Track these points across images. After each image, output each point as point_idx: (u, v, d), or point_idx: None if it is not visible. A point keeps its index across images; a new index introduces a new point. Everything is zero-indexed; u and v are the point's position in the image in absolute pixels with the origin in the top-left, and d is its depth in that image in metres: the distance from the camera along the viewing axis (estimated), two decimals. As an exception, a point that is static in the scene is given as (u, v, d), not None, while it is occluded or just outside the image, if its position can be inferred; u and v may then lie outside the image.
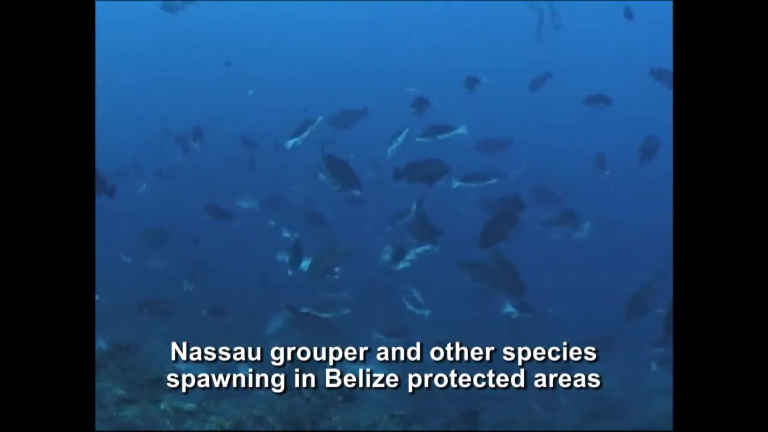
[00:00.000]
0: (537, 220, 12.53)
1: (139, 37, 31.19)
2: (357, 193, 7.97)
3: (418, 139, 9.17)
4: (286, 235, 8.71)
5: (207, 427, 5.63)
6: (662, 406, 9.37)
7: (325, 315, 9.14)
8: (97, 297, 8.97)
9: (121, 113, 21.81)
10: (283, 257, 11.20)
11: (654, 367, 10.48)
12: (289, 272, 9.01)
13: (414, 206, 8.69)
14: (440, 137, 9.13)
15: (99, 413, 5.62)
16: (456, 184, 10.11)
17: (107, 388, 6.17)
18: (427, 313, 10.64)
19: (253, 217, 14.82)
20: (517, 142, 13.43)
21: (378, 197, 12.12)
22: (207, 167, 17.18)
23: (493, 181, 10.12)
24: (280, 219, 13.71)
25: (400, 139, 8.82)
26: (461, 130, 9.08)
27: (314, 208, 13.86)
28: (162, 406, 5.90)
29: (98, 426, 5.19)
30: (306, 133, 9.38)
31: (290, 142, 9.47)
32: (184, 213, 14.51)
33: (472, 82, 10.75)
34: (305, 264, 9.04)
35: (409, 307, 10.68)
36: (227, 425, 5.57)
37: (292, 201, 15.12)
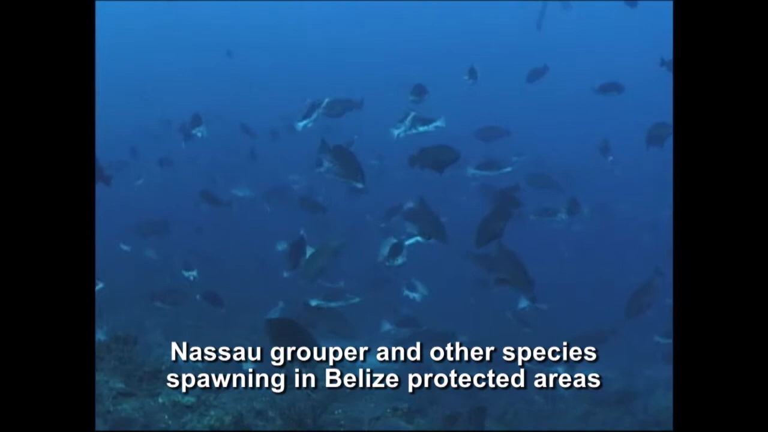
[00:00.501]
0: (535, 211, 12.49)
1: (138, 29, 31.13)
2: (360, 186, 7.88)
3: (396, 131, 9.20)
4: (301, 233, 8.57)
5: (207, 421, 5.55)
6: (666, 400, 9.34)
7: (334, 304, 9.10)
8: (100, 285, 8.96)
9: (120, 105, 21.77)
10: (283, 247, 11.13)
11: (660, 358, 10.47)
12: (285, 274, 8.87)
13: (410, 204, 8.65)
14: (420, 129, 9.10)
15: (96, 407, 5.55)
16: (471, 171, 10.04)
17: (105, 380, 6.10)
18: (419, 297, 10.60)
19: (253, 206, 14.78)
20: (521, 131, 13.37)
21: (378, 186, 12.08)
22: (206, 157, 17.15)
23: (509, 169, 10.06)
24: (280, 208, 13.67)
25: (407, 121, 8.77)
26: (440, 123, 9.05)
27: (314, 197, 13.81)
28: (161, 400, 5.82)
29: (96, 419, 5.12)
30: (315, 115, 9.42)
31: (300, 124, 9.50)
32: (183, 203, 14.46)
33: (474, 72, 10.73)
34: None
35: (406, 292, 10.65)
36: (227, 420, 5.48)
37: (290, 190, 15.06)
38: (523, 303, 9.07)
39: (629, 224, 17.34)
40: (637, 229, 17.17)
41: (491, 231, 7.78)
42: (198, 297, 10.35)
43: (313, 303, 8.88)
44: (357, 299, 9.48)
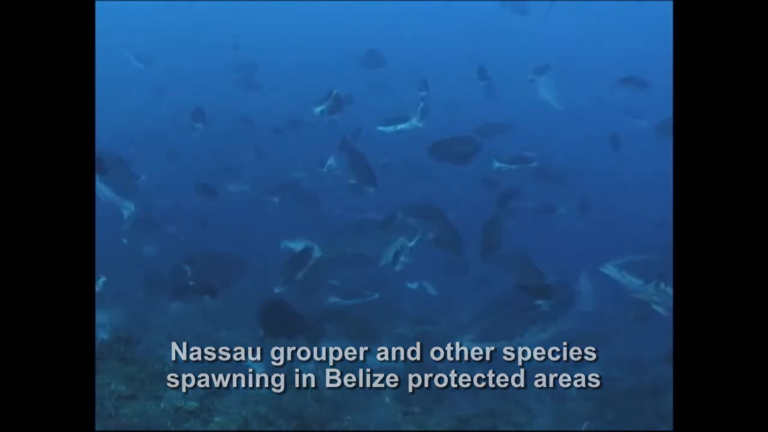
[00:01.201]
0: (534, 209, 12.46)
1: (140, 27, 31.16)
2: (371, 190, 7.88)
3: (379, 128, 9.25)
4: (309, 245, 8.53)
5: (211, 428, 5.42)
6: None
7: (352, 302, 9.09)
8: (103, 278, 8.85)
9: (123, 102, 21.80)
10: (286, 245, 11.07)
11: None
12: (276, 290, 8.66)
13: (412, 202, 8.66)
14: (399, 127, 9.14)
15: (97, 410, 5.44)
16: (496, 164, 10.00)
17: (106, 383, 5.99)
18: (415, 286, 10.57)
19: (255, 202, 14.74)
20: (525, 127, 13.31)
21: (383, 182, 12.06)
22: (209, 154, 17.12)
23: (535, 163, 10.06)
24: (283, 205, 13.63)
25: (418, 110, 8.79)
26: (416, 122, 9.08)
27: (317, 195, 13.80)
28: (163, 405, 5.71)
29: (96, 423, 5.02)
30: (330, 101, 9.57)
31: (318, 109, 9.65)
32: (185, 200, 14.42)
33: (484, 71, 10.76)
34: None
35: (408, 285, 10.62)
36: (232, 427, 5.35)
37: (293, 187, 15.02)
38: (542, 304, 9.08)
39: (634, 221, 17.29)
40: (643, 226, 17.11)
41: (490, 243, 7.80)
42: (191, 283, 10.31)
43: (331, 300, 8.87)
44: (376, 295, 9.48)
